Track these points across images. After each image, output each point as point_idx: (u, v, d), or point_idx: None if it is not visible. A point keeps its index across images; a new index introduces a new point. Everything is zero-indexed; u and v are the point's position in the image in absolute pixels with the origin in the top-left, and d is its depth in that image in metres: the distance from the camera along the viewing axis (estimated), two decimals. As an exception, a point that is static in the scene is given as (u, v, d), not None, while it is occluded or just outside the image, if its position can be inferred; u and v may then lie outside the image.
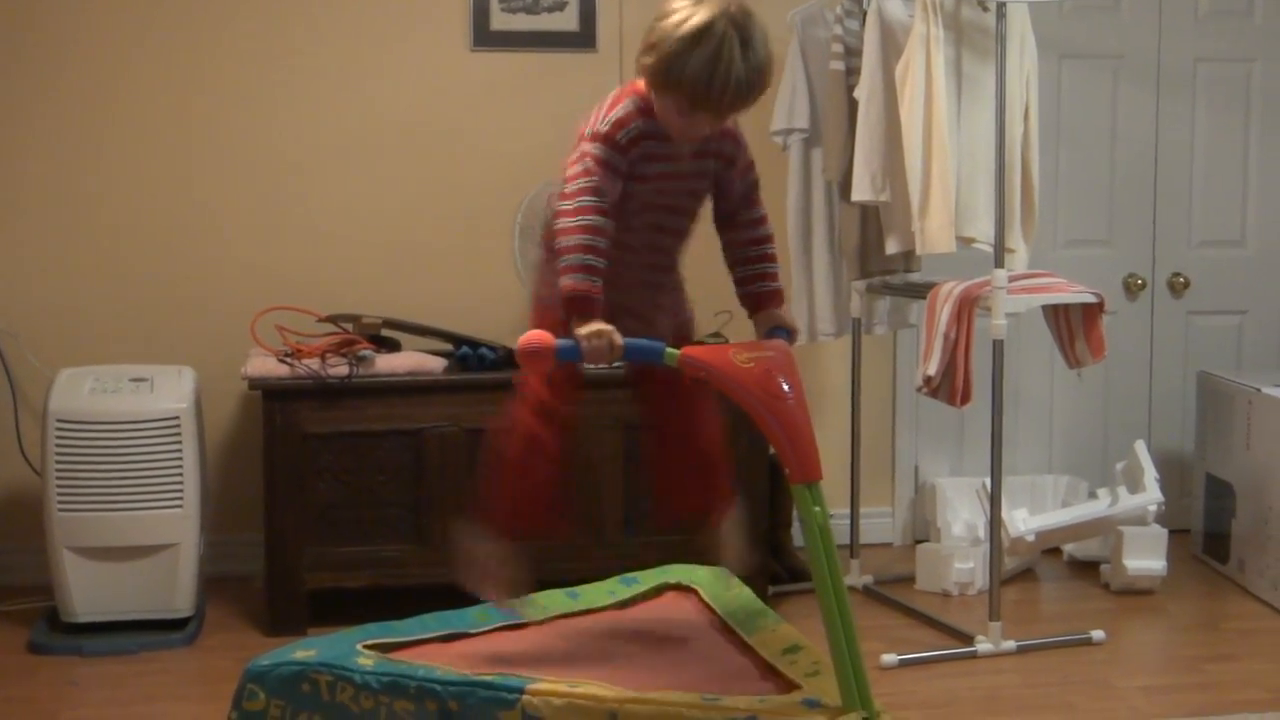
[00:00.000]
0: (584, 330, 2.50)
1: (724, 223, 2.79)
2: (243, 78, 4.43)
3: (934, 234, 3.93)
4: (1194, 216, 4.96)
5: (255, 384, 3.98)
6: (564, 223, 2.57)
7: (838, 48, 4.18)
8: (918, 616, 4.16)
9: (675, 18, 2.52)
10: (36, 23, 4.32)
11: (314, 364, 3.98)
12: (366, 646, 2.63)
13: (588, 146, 2.61)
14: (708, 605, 2.90)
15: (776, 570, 4.31)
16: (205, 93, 4.42)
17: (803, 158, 4.32)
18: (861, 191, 4.03)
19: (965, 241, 4.02)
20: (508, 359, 3.99)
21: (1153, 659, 4.01)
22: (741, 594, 2.93)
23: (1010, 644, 3.88)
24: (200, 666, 3.82)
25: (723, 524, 2.83)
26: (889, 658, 3.77)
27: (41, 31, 4.32)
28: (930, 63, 3.90)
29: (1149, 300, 4.95)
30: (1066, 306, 3.94)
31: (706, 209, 2.80)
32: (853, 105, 4.12)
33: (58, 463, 3.85)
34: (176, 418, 3.91)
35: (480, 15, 4.50)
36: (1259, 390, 4.35)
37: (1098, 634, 3.97)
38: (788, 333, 2.73)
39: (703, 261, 2.88)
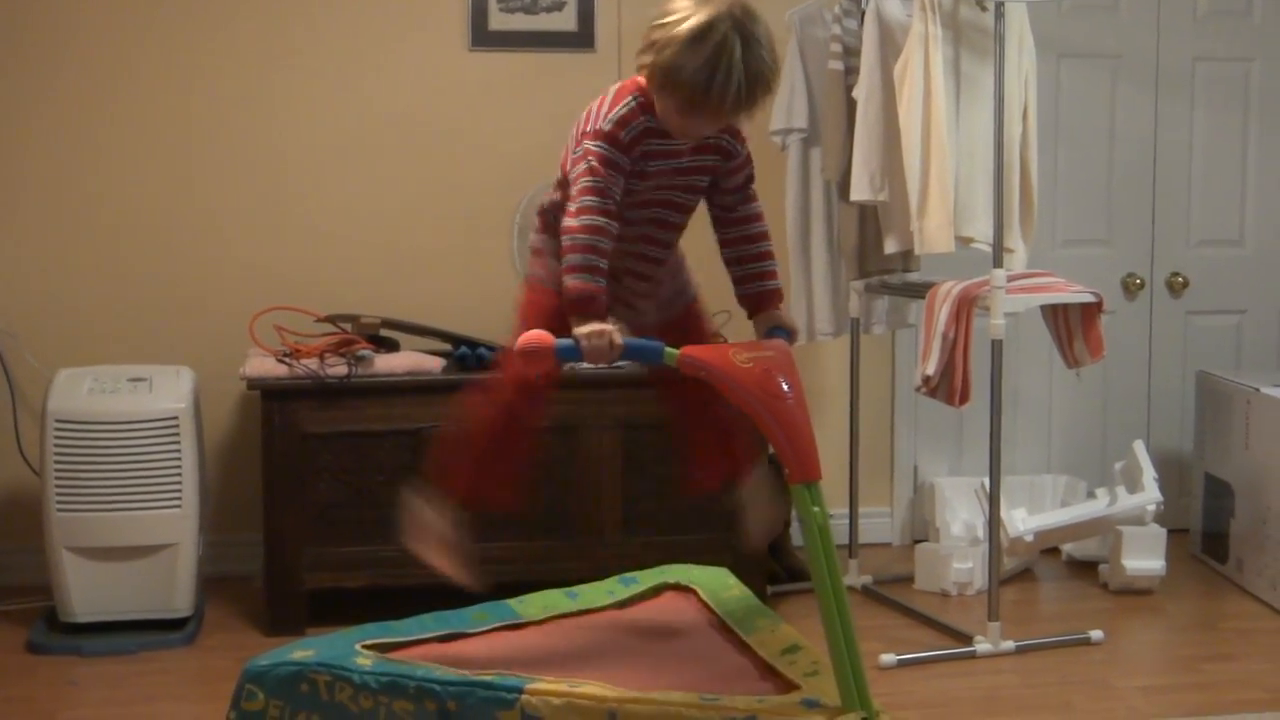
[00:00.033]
0: (584, 329, 2.50)
1: (720, 218, 2.78)
2: (242, 78, 4.43)
3: (932, 234, 3.93)
4: (1193, 216, 4.96)
5: (254, 384, 3.97)
6: (569, 222, 2.57)
7: (836, 47, 4.17)
8: (916, 616, 4.15)
9: (675, 17, 2.49)
10: (36, 22, 4.32)
11: (313, 364, 3.98)
12: (365, 646, 2.63)
13: (591, 145, 2.58)
14: (707, 605, 2.90)
15: (775, 570, 4.31)
16: (205, 93, 4.42)
17: (801, 157, 4.32)
18: (860, 191, 4.03)
19: (964, 241, 4.01)
20: (507, 359, 3.99)
21: (1151, 659, 4.00)
22: (740, 594, 2.93)
23: (1009, 644, 3.88)
24: (199, 666, 3.82)
25: (748, 486, 2.85)
26: (888, 658, 3.77)
27: (41, 31, 4.32)
28: (929, 62, 3.90)
29: (1148, 300, 4.95)
30: (1065, 306, 3.94)
31: (703, 205, 2.79)
32: (851, 105, 4.11)
33: (56, 463, 3.85)
34: (175, 418, 3.91)
35: (479, 15, 4.50)
36: (1258, 390, 4.35)
37: (1096, 634, 3.97)
38: (787, 333, 2.73)
39: (703, 262, 2.88)
